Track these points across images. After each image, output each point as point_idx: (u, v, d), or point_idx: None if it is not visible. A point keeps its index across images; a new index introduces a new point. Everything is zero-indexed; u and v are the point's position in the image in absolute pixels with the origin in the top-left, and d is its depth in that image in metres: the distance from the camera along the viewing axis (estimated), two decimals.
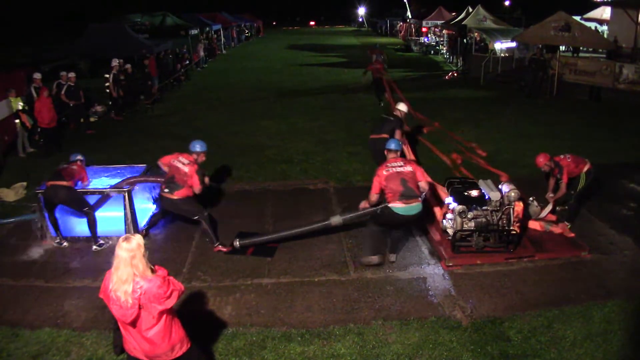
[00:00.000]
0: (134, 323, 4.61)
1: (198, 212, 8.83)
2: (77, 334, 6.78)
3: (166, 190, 8.69)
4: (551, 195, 9.83)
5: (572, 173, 9.44)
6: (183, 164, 8.73)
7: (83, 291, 7.80)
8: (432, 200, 9.50)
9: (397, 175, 7.93)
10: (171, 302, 4.65)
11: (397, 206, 7.84)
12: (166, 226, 9.97)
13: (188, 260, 8.66)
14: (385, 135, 10.99)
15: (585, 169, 9.44)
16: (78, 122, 17.06)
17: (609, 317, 7.02)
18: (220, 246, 8.92)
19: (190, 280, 8.04)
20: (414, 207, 7.89)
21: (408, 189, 7.86)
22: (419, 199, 7.96)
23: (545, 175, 9.95)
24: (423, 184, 8.04)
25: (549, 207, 9.86)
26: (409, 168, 8.05)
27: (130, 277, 4.49)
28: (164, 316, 4.72)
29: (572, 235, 9.28)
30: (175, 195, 8.63)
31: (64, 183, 8.74)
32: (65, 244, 9.23)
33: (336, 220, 8.75)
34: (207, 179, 9.19)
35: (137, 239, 4.58)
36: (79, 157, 9.46)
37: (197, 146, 9.03)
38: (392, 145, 8.44)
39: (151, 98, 22.15)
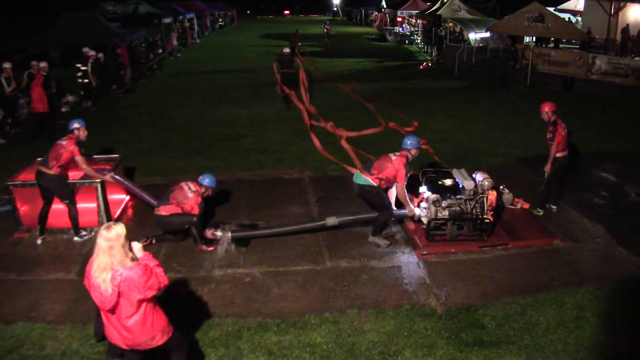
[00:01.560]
0: (113, 310, 4.63)
1: (188, 219, 8.42)
2: (51, 327, 6.68)
3: (157, 204, 8.62)
4: (548, 166, 9.67)
5: (559, 143, 9.42)
6: (189, 189, 8.42)
7: (56, 284, 7.70)
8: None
9: (384, 155, 8.70)
10: (151, 293, 4.67)
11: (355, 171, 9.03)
12: (140, 218, 9.88)
13: (162, 251, 8.56)
14: (293, 71, 19.59)
15: (558, 154, 9.53)
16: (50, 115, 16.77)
17: (581, 303, 7.12)
18: (203, 246, 8.63)
19: (164, 271, 7.94)
20: (359, 177, 8.62)
21: (369, 164, 8.72)
22: (371, 176, 8.46)
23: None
24: (397, 187, 8.60)
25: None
26: (393, 157, 8.52)
27: (109, 266, 4.53)
28: (144, 305, 4.73)
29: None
30: (162, 211, 8.43)
31: (48, 171, 8.51)
32: (39, 241, 8.94)
33: (332, 221, 8.83)
34: (212, 232, 8.63)
35: (117, 229, 4.62)
36: (75, 125, 8.84)
37: (206, 180, 8.58)
38: (405, 142, 8.75)
39: (124, 87, 21.89)
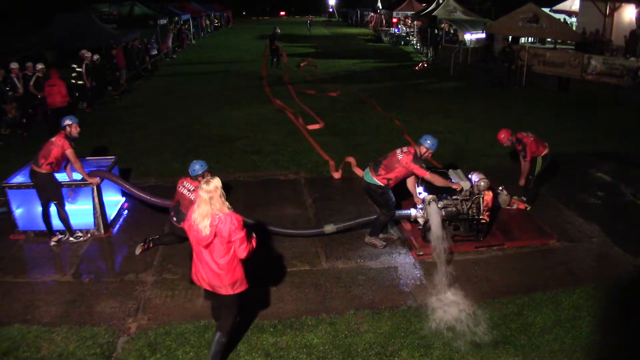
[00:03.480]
0: (208, 246, 5.47)
1: None
2: (47, 329, 6.66)
3: (174, 218, 8.14)
4: (522, 181, 9.93)
5: (533, 153, 9.64)
6: (189, 190, 7.95)
7: (52, 286, 7.68)
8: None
9: (391, 152, 8.53)
10: (238, 236, 5.44)
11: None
12: (135, 220, 9.86)
13: (158, 252, 8.55)
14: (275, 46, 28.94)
15: (544, 152, 9.69)
16: (45, 114, 16.70)
17: (577, 303, 7.13)
18: None
19: (161, 272, 7.97)
20: (368, 174, 8.53)
21: (378, 164, 8.49)
22: (378, 176, 8.35)
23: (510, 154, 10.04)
24: (429, 179, 8.38)
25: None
26: (400, 156, 8.32)
27: (209, 213, 5.40)
28: (233, 250, 5.52)
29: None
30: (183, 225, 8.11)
31: (38, 169, 8.43)
32: (53, 243, 8.87)
33: (329, 228, 8.90)
34: None
35: (215, 182, 5.47)
36: (67, 121, 8.72)
37: (197, 167, 7.93)
38: (424, 137, 8.50)
39: (119, 89, 21.84)
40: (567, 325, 6.68)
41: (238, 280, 5.67)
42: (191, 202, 7.79)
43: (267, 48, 30.02)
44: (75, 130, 8.80)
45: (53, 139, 8.58)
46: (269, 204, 10.46)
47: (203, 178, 7.87)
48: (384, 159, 8.47)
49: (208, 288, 5.72)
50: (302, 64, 30.01)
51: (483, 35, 30.19)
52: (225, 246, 5.48)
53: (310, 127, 15.97)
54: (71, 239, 8.93)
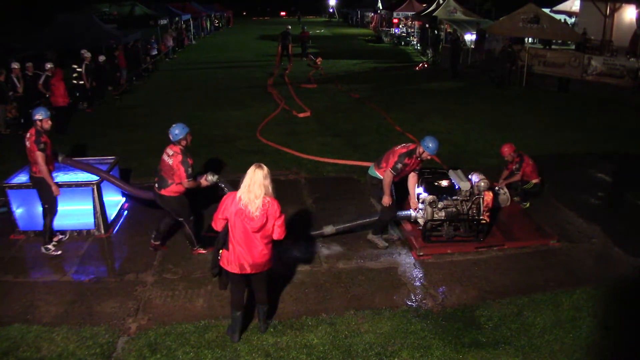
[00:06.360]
0: (259, 230, 5.82)
1: (183, 214, 8.20)
2: (47, 329, 6.65)
3: (156, 185, 8.14)
4: (502, 180, 10.24)
5: (526, 175, 10.02)
6: (168, 155, 7.84)
7: (52, 286, 7.67)
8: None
9: (395, 146, 8.58)
10: (282, 217, 5.97)
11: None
12: (135, 220, 9.86)
13: (158, 253, 8.55)
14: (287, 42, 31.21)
15: (536, 180, 10.09)
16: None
17: (577, 304, 7.13)
18: (200, 249, 8.53)
19: (161, 273, 7.96)
20: (372, 169, 8.68)
21: (380, 158, 8.57)
22: (380, 169, 8.42)
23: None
24: (388, 172, 8.36)
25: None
26: (397, 147, 8.42)
27: (262, 195, 5.77)
28: (272, 231, 5.97)
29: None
30: (162, 192, 8.03)
31: (31, 173, 8.39)
32: (53, 243, 8.73)
33: (329, 230, 8.90)
34: (205, 178, 8.39)
35: (266, 168, 5.93)
36: (37, 116, 8.25)
37: (177, 131, 7.79)
38: (424, 139, 8.35)
39: (119, 89, 21.83)
40: (567, 325, 6.68)
41: (272, 257, 6.16)
42: (170, 168, 7.84)
43: (279, 46, 31.48)
44: (47, 125, 8.34)
45: (27, 145, 8.23)
46: None
47: (185, 142, 7.90)
48: (386, 152, 8.54)
49: (249, 270, 5.97)
50: (318, 61, 30.47)
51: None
52: (271, 228, 5.90)
53: (301, 115, 17.86)
54: (42, 248, 8.60)
